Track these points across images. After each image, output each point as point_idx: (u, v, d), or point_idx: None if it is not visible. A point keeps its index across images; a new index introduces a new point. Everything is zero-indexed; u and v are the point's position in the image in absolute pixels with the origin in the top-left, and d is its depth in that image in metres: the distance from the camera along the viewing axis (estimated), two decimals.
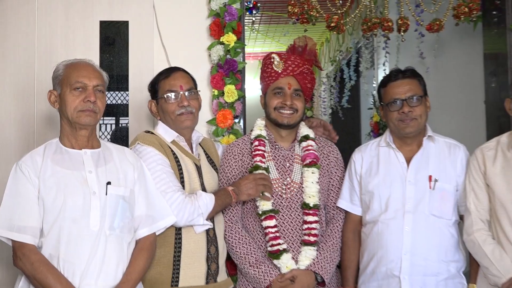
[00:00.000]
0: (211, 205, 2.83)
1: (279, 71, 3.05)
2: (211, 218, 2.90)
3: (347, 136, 7.61)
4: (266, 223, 2.96)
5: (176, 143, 2.98)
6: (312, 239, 2.98)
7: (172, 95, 2.96)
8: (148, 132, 2.99)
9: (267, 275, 2.93)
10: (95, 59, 3.58)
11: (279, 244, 2.93)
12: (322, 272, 2.95)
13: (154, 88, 3.04)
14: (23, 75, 3.68)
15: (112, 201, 2.58)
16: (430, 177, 2.96)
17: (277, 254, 2.92)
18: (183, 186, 2.88)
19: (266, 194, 2.97)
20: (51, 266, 2.45)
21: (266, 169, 3.03)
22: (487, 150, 2.97)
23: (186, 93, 2.97)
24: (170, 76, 3.00)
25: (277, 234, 2.96)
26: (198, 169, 2.99)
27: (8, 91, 3.66)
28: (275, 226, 2.96)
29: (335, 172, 3.17)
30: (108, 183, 2.60)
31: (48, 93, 2.70)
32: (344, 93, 7.37)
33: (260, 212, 2.98)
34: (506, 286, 2.74)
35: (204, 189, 2.96)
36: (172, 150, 2.92)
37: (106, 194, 2.58)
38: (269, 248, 2.95)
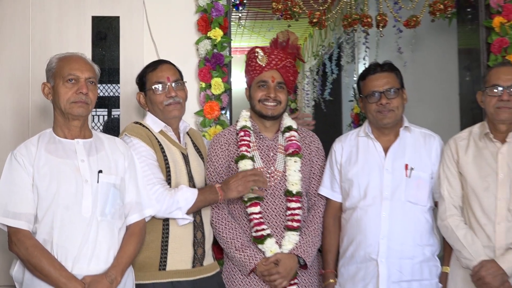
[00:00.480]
0: (192, 200, 2.80)
1: (263, 65, 3.04)
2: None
3: (329, 127, 7.63)
4: (251, 209, 2.97)
5: (163, 133, 2.96)
6: (295, 224, 2.99)
7: (160, 86, 2.95)
8: (137, 123, 2.98)
9: (252, 259, 2.93)
10: (88, 53, 3.58)
11: (263, 229, 2.94)
12: (305, 255, 2.96)
13: (142, 80, 3.02)
14: (18, 68, 3.66)
15: (103, 189, 2.57)
16: (406, 165, 2.98)
17: (261, 239, 2.93)
18: (169, 175, 2.87)
19: (257, 188, 2.92)
20: (45, 251, 2.44)
21: (252, 158, 3.03)
22: (460, 140, 2.99)
23: (173, 84, 2.96)
24: (157, 68, 2.99)
25: (261, 220, 2.96)
26: (185, 157, 2.98)
27: (4, 84, 3.64)
28: (259, 212, 2.97)
29: (316, 161, 3.18)
30: (100, 171, 2.59)
31: (42, 85, 2.68)
32: (326, 86, 7.37)
33: (246, 199, 2.99)
34: (477, 268, 2.77)
35: (191, 177, 2.95)
36: (158, 141, 2.91)
37: (98, 182, 2.57)
38: (253, 234, 2.96)
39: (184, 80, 3.06)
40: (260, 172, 2.96)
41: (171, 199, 2.76)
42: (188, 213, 2.81)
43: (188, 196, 2.79)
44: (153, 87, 2.95)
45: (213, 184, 2.94)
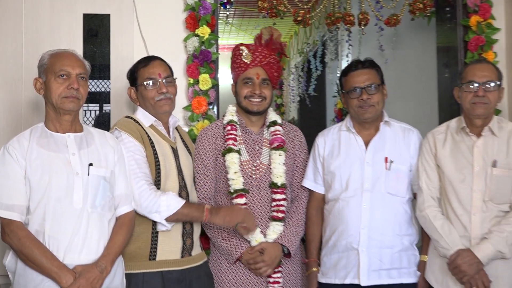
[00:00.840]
0: (174, 208, 2.74)
1: (248, 62, 3.04)
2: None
3: (313, 122, 7.63)
4: (237, 201, 2.96)
5: (154, 127, 2.95)
6: (280, 215, 2.99)
7: (151, 82, 2.93)
8: (128, 117, 2.96)
9: (238, 248, 2.94)
10: (79, 50, 3.56)
11: None
12: (289, 244, 2.97)
13: (133, 75, 3.00)
14: (11, 64, 3.63)
15: (94, 181, 2.56)
16: (386, 158, 2.98)
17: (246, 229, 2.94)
18: (159, 169, 2.85)
19: (243, 226, 2.86)
20: (37, 241, 2.44)
21: (238, 152, 3.03)
22: (437, 134, 3.01)
23: (164, 81, 2.94)
24: (149, 64, 2.97)
25: None
26: (175, 151, 2.97)
27: None
28: (245, 204, 2.97)
29: (299, 154, 3.18)
30: (90, 164, 2.58)
31: (34, 81, 2.67)
32: (311, 82, 7.35)
33: (232, 191, 2.99)
34: (454, 257, 2.79)
35: (180, 171, 2.94)
36: (148, 135, 2.90)
37: (88, 174, 2.56)
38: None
39: (174, 76, 3.05)
40: (253, 218, 2.91)
41: (153, 199, 2.73)
42: (167, 220, 2.75)
43: (171, 204, 2.74)
44: (144, 83, 2.93)
45: (204, 203, 2.93)
